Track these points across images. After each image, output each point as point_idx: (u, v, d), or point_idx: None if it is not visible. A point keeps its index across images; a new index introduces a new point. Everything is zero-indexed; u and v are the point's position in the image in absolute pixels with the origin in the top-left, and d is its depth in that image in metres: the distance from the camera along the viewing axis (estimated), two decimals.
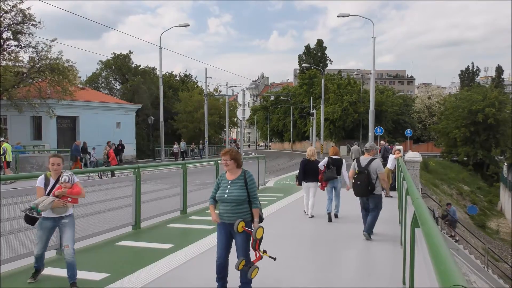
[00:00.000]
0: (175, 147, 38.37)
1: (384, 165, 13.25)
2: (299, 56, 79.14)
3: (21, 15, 27.01)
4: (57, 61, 28.19)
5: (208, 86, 42.57)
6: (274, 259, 5.08)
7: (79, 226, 6.97)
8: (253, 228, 4.79)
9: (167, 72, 56.95)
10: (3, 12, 26.55)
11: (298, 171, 10.35)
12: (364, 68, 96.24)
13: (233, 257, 4.82)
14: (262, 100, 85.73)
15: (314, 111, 49.41)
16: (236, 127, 63.26)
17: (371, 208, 7.99)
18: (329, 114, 52.27)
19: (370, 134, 28.15)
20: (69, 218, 5.15)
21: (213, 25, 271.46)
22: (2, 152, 17.60)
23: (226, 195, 4.77)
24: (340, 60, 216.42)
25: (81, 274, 5.43)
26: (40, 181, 5.14)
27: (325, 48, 77.85)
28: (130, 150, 35.94)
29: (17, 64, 28.25)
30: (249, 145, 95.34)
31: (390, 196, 12.75)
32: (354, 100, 53.47)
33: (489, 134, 44.19)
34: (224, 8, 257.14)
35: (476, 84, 68.26)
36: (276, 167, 31.36)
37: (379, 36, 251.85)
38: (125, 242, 7.47)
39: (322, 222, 9.80)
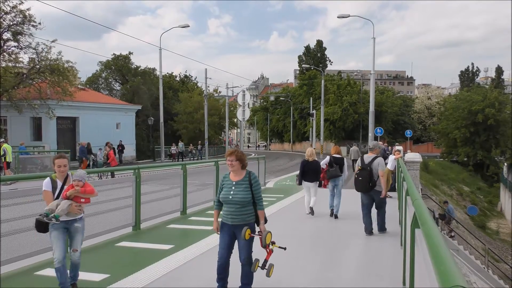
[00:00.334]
0: (173, 148, 38.32)
1: None
2: (299, 56, 79.22)
3: (21, 16, 27.05)
4: (57, 62, 28.23)
5: (208, 86, 42.66)
6: (285, 248, 5.11)
7: None
8: (258, 232, 4.79)
9: (167, 73, 57.06)
10: (3, 13, 26.58)
11: (298, 171, 10.66)
12: (364, 68, 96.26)
13: (234, 258, 4.81)
14: (262, 100, 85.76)
15: (314, 111, 49.43)
16: (236, 127, 63.29)
17: (377, 206, 8.32)
18: (329, 114, 52.28)
19: (370, 134, 28.18)
20: (81, 222, 4.92)
21: (213, 25, 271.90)
22: (2, 153, 17.59)
23: (231, 197, 4.71)
24: (340, 61, 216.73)
25: (81, 275, 5.42)
26: (46, 184, 4.82)
27: (325, 48, 77.96)
28: (130, 151, 35.95)
29: (17, 65, 28.27)
30: (248, 146, 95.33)
31: (390, 197, 12.73)
32: (354, 101, 53.48)
33: (489, 135, 44.17)
34: (224, 8, 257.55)
35: (476, 84, 68.35)
36: (276, 168, 31.36)
37: (379, 36, 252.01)
38: (125, 243, 7.47)
39: (322, 222, 9.81)
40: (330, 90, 54.74)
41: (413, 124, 60.43)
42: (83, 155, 23.86)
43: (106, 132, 32.23)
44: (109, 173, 17.91)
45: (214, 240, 7.26)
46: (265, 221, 4.90)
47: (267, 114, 77.07)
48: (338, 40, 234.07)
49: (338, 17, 30.13)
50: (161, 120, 33.24)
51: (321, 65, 71.98)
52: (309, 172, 10.13)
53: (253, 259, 4.77)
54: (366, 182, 8.10)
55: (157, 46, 32.06)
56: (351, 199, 12.36)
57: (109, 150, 20.50)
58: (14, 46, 27.88)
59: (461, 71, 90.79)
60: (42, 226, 4.67)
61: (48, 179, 4.87)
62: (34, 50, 28.14)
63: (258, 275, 4.96)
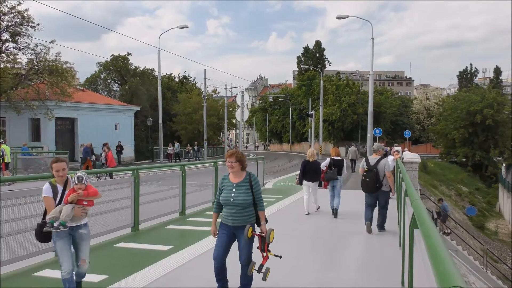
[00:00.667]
0: (169, 149, 38.16)
1: None
2: (298, 57, 79.23)
3: (19, 16, 27.01)
4: (56, 62, 28.19)
5: (207, 87, 42.61)
6: (280, 257, 5.08)
7: None
8: (261, 231, 4.78)
9: (166, 74, 57.08)
10: (1, 14, 26.54)
11: (298, 172, 10.96)
12: (362, 69, 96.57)
13: (235, 259, 4.79)
14: (261, 101, 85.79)
15: (313, 112, 49.44)
16: (235, 128, 63.28)
17: (381, 205, 8.56)
18: (327, 115, 52.29)
19: (369, 135, 28.18)
20: (86, 228, 4.65)
21: (212, 26, 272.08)
22: (0, 154, 17.57)
23: (232, 199, 4.66)
24: (339, 62, 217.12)
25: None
26: (46, 190, 4.50)
27: (324, 49, 77.92)
28: (128, 152, 35.92)
29: (15, 65, 28.21)
30: (246, 147, 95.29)
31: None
32: (353, 101, 53.50)
33: (487, 135, 44.24)
34: (222, 9, 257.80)
35: (475, 85, 68.46)
36: (275, 169, 31.36)
37: (378, 37, 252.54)
38: (123, 244, 7.46)
39: (321, 222, 9.82)
40: (329, 91, 54.77)
41: (411, 124, 60.47)
42: (87, 156, 23.78)
43: (104, 133, 32.19)
44: (107, 174, 17.88)
45: (213, 241, 7.23)
46: (266, 221, 4.89)
47: (266, 114, 77.10)
48: (337, 40, 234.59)
49: (337, 17, 30.13)
50: (160, 121, 33.21)
51: (320, 65, 71.96)
52: (310, 172, 10.44)
53: (250, 263, 4.75)
54: (373, 183, 8.38)
55: (156, 47, 32.06)
56: (351, 199, 12.41)
57: (108, 151, 20.49)
58: (13, 47, 27.85)
59: (460, 72, 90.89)
60: (43, 236, 4.45)
61: (47, 184, 4.53)
62: (32, 51, 28.12)
63: (258, 275, 4.96)
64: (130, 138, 37.50)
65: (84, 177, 4.58)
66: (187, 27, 33.55)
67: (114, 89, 51.16)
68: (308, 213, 10.66)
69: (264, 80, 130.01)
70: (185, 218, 10.10)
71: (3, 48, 27.55)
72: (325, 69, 74.59)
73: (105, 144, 23.09)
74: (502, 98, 48.20)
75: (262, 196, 4.85)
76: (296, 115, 66.21)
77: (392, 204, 10.61)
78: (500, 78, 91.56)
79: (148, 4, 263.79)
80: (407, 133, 43.04)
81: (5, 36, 27.56)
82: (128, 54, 48.55)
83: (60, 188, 4.52)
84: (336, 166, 10.59)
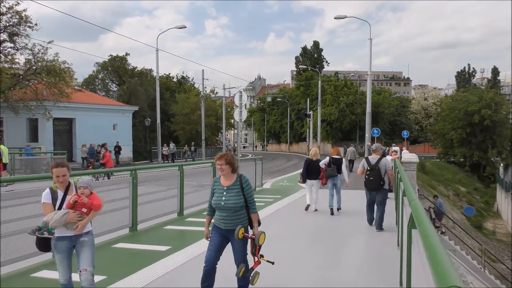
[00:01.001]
0: (164, 149, 37.93)
1: None
2: (296, 57, 79.26)
3: (17, 17, 26.98)
4: (54, 63, 28.16)
5: (205, 87, 42.62)
6: (272, 263, 5.03)
7: None
8: (253, 233, 4.71)
9: (164, 74, 56.96)
10: None
11: (299, 171, 11.17)
12: (361, 69, 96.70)
13: (222, 264, 4.72)
14: (259, 101, 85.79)
15: (311, 112, 49.49)
16: (233, 128, 63.27)
17: (379, 202, 8.89)
18: (326, 115, 52.31)
19: (367, 135, 28.21)
20: (88, 236, 4.29)
21: (210, 27, 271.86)
22: None
23: (223, 203, 4.59)
24: (337, 62, 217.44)
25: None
26: (46, 196, 4.24)
27: (322, 49, 77.98)
28: (127, 152, 35.88)
29: (13, 66, 28.17)
30: (244, 147, 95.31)
31: (387, 198, 12.76)
32: (351, 102, 53.53)
33: (485, 135, 44.33)
34: (221, 9, 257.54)
35: (472, 85, 68.59)
36: (273, 169, 31.37)
37: (376, 37, 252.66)
38: (122, 244, 7.46)
39: (319, 222, 9.84)
40: (327, 91, 54.80)
41: (410, 124, 60.54)
42: (93, 157, 23.61)
43: (102, 133, 32.16)
44: (105, 175, 17.86)
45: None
46: (259, 224, 4.82)
47: (264, 115, 77.11)
48: (335, 41, 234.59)
49: (335, 18, 30.12)
50: (158, 121, 33.19)
51: (318, 66, 72.00)
52: (313, 170, 10.87)
53: (239, 266, 4.68)
54: (378, 181, 8.77)
55: (154, 47, 32.00)
56: (350, 199, 12.44)
57: (105, 152, 20.47)
58: (10, 47, 27.81)
59: (458, 72, 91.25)
60: (42, 244, 4.24)
61: (47, 190, 4.27)
62: (30, 51, 28.10)
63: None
64: (128, 138, 37.47)
65: (89, 182, 4.31)
66: (185, 27, 33.58)
67: (112, 89, 51.11)
68: (308, 206, 11.11)
69: (262, 80, 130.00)
70: (183, 219, 10.09)
71: (1, 48, 27.50)
72: (323, 70, 74.62)
73: (103, 145, 23.07)
74: (500, 98, 48.34)
75: (257, 196, 4.78)
76: (294, 115, 66.20)
77: (391, 204, 10.64)
78: (498, 78, 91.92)
79: (146, 5, 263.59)
80: (405, 133, 43.10)
81: (3, 36, 27.54)
82: (126, 54, 48.52)
83: (60, 194, 4.24)
84: (335, 164, 10.94)
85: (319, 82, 46.82)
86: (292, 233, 8.84)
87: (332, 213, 10.66)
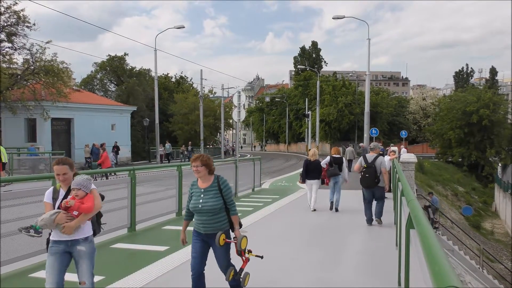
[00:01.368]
0: (161, 150, 37.77)
1: None
2: (295, 57, 79.32)
3: (15, 16, 26.93)
4: (52, 63, 28.13)
5: (204, 87, 42.59)
6: (261, 257, 4.92)
7: None
8: (234, 237, 4.52)
9: (163, 74, 56.97)
10: None
11: (297, 171, 11.38)
12: (359, 69, 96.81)
13: (209, 268, 4.66)
14: (257, 101, 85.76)
15: (310, 112, 49.48)
16: (231, 128, 63.23)
17: (377, 198, 9.31)
18: (324, 115, 52.34)
19: (366, 135, 28.20)
20: (86, 243, 3.96)
21: (209, 26, 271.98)
22: None
23: (200, 206, 4.44)
24: (335, 62, 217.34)
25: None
26: (47, 195, 4.03)
27: (320, 49, 78.10)
28: (125, 152, 35.83)
29: (11, 66, 28.13)
30: (241, 147, 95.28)
31: (386, 197, 12.79)
32: (350, 102, 53.57)
33: (483, 135, 44.39)
34: (219, 9, 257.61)
35: (471, 85, 68.61)
36: (272, 169, 31.38)
37: (374, 37, 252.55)
38: (120, 245, 7.45)
39: (318, 223, 9.84)
40: (326, 91, 54.82)
41: (408, 124, 60.60)
42: (97, 158, 23.33)
43: (101, 133, 32.11)
44: (103, 175, 17.81)
45: None
46: (240, 226, 4.66)
47: (262, 115, 77.09)
48: (333, 41, 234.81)
49: (333, 18, 30.08)
50: (157, 121, 33.14)
51: (316, 66, 72.07)
52: (312, 170, 11.24)
53: (228, 269, 4.57)
54: (373, 178, 9.10)
55: (153, 47, 31.96)
56: (349, 199, 12.46)
57: (103, 152, 20.42)
58: (8, 47, 27.77)
59: (456, 72, 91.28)
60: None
61: (50, 189, 4.08)
62: (28, 51, 28.06)
63: (255, 276, 4.95)
64: (126, 138, 37.42)
65: (84, 183, 3.94)
66: (183, 27, 33.52)
67: (110, 89, 51.08)
68: (311, 206, 11.30)
69: (261, 80, 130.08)
70: (182, 219, 10.02)
71: None
72: (322, 70, 74.70)
73: (101, 145, 23.02)
74: (498, 98, 48.42)
75: (234, 199, 4.61)
76: (293, 116, 66.22)
77: (390, 204, 10.67)
78: (496, 78, 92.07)
79: (144, 4, 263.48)
80: (403, 133, 43.13)
81: (1, 36, 27.53)
82: (125, 54, 48.52)
83: (62, 193, 4.00)
84: (336, 163, 11.32)
85: (318, 82, 46.83)
86: (291, 233, 8.84)
87: (331, 208, 11.18)
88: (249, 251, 4.79)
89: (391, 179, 12.46)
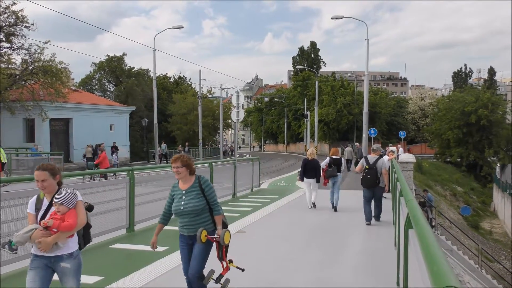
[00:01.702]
0: (158, 150, 37.75)
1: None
2: (293, 58, 79.38)
3: (13, 17, 26.90)
4: (50, 63, 28.10)
5: (202, 88, 42.57)
6: (242, 270, 4.72)
7: None
8: (216, 237, 4.33)
9: (161, 74, 56.95)
10: None
11: (296, 171, 11.72)
12: (358, 70, 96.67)
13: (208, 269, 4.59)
14: (256, 102, 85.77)
15: (308, 112, 49.50)
16: (230, 129, 63.23)
17: (376, 198, 9.63)
18: (323, 115, 52.34)
19: (364, 135, 28.17)
20: (71, 260, 3.64)
21: (208, 27, 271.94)
22: None
23: (182, 207, 4.32)
24: (334, 62, 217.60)
25: None
26: (30, 205, 3.70)
27: (319, 50, 78.22)
28: (124, 153, 35.80)
29: (9, 66, 28.09)
30: (240, 147, 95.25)
31: (384, 198, 12.82)
32: (348, 102, 53.58)
33: (482, 135, 44.44)
34: (218, 10, 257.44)
35: (469, 85, 68.65)
36: (271, 169, 31.38)
37: (373, 38, 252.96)
38: (119, 245, 7.45)
39: (317, 223, 9.86)
40: (324, 91, 54.83)
41: (406, 125, 60.63)
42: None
43: (99, 134, 32.09)
44: (101, 175, 17.78)
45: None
46: (225, 226, 4.49)
47: (261, 115, 77.09)
48: (332, 41, 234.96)
49: (332, 18, 30.06)
50: (155, 121, 33.14)
51: (315, 66, 72.12)
52: (310, 169, 11.50)
53: (208, 271, 4.39)
54: (374, 179, 9.45)
55: (151, 48, 31.98)
56: (348, 199, 12.48)
57: (101, 152, 20.38)
58: (7, 47, 27.74)
59: (454, 72, 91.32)
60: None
61: (33, 198, 3.75)
62: (27, 51, 28.04)
63: (253, 275, 4.95)
64: (125, 138, 37.39)
65: (68, 197, 3.58)
66: (182, 27, 33.55)
67: (109, 89, 51.07)
68: (311, 207, 11.63)
69: (260, 80, 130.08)
70: None
71: None
72: (320, 70, 74.78)
73: (100, 145, 22.99)
74: (496, 98, 48.46)
75: (217, 199, 4.48)
76: (292, 116, 66.23)
77: (388, 204, 10.69)
78: (494, 78, 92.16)
79: (143, 5, 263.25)
80: (402, 134, 43.17)
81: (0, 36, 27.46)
82: (123, 54, 48.50)
83: (46, 202, 3.65)
84: (335, 164, 11.59)
85: (316, 82, 46.84)
86: (290, 233, 8.85)
87: (335, 210, 11.32)
88: (230, 261, 4.63)
89: (390, 179, 12.51)
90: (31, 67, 28.24)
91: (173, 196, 4.48)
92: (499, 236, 31.03)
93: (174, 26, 33.28)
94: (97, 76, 49.66)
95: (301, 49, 78.60)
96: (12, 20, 27.02)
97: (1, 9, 26.55)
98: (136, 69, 49.34)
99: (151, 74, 42.31)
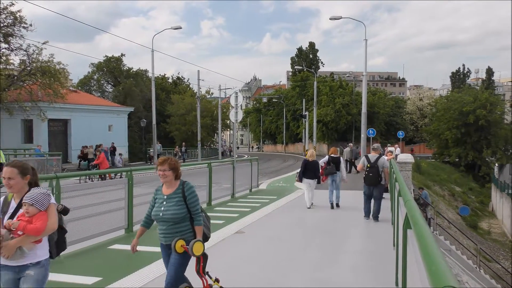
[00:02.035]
0: (151, 151, 37.55)
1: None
2: (292, 58, 79.32)
3: (11, 17, 26.84)
4: (48, 63, 28.05)
5: (200, 88, 42.55)
6: (218, 282, 4.42)
7: (72, 229, 6.93)
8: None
9: (160, 75, 56.97)
10: None
11: (295, 172, 11.88)
12: (356, 70, 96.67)
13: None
14: (254, 102, 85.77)
15: (307, 113, 49.49)
16: (229, 129, 63.23)
17: (376, 196, 9.90)
18: (321, 116, 52.39)
19: (363, 136, 28.17)
20: (36, 268, 3.21)
21: (206, 27, 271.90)
22: None
23: (161, 213, 4.07)
24: (332, 63, 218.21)
25: (73, 279, 5.42)
26: None
27: (317, 50, 78.07)
28: (122, 153, 35.76)
29: (7, 67, 28.04)
30: (238, 148, 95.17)
31: (383, 198, 12.82)
32: (347, 102, 53.64)
33: (480, 135, 44.51)
34: (216, 10, 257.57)
35: (467, 85, 68.80)
36: (270, 169, 31.37)
37: (371, 38, 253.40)
38: (117, 246, 7.43)
39: (315, 223, 9.87)
40: (323, 92, 54.87)
41: (405, 125, 60.69)
42: (107, 160, 22.86)
43: (98, 134, 32.05)
44: (99, 176, 17.75)
45: (207, 243, 7.24)
46: (206, 239, 4.23)
47: (260, 115, 77.06)
48: (330, 42, 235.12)
49: (330, 18, 30.06)
50: (154, 122, 33.12)
51: (313, 66, 72.05)
52: (310, 170, 11.70)
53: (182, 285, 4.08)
54: (376, 177, 9.78)
55: (150, 48, 31.94)
56: (347, 200, 12.47)
57: (100, 153, 20.36)
58: (5, 48, 27.68)
59: (452, 73, 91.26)
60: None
61: (1, 199, 3.37)
62: (25, 52, 27.97)
63: (253, 275, 4.94)
64: (123, 139, 37.35)
65: (38, 197, 3.21)
66: (180, 28, 33.55)
67: (107, 90, 51.06)
68: (310, 207, 11.71)
69: (258, 81, 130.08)
70: None
71: None
72: (319, 70, 74.74)
73: (98, 146, 22.93)
74: (495, 99, 48.53)
75: (200, 209, 4.18)
76: (290, 116, 66.24)
77: (386, 205, 10.70)
78: (492, 78, 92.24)
79: (141, 5, 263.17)
80: (400, 134, 43.21)
81: None
82: (122, 55, 48.53)
83: (13, 205, 3.29)
84: (334, 162, 11.87)
85: (315, 82, 46.85)
86: (289, 233, 8.85)
87: (332, 207, 11.60)
88: (217, 280, 4.33)
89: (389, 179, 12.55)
90: (29, 68, 28.19)
91: (155, 200, 4.24)
92: (497, 236, 31.07)
93: (173, 27, 33.28)
94: (95, 77, 49.67)
95: (300, 49, 78.57)
96: (10, 21, 26.97)
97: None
98: (134, 70, 49.39)
99: (150, 74, 42.38)
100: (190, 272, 4.22)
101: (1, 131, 30.29)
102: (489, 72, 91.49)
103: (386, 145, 35.59)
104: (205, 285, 4.19)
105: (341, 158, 12.54)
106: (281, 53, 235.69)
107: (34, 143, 29.73)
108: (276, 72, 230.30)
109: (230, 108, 21.07)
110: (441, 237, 17.06)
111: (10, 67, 28.40)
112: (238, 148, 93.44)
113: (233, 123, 15.74)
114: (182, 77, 62.10)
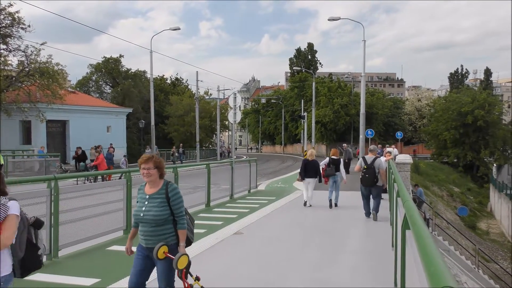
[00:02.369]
0: (147, 152, 37.21)
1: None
2: (290, 59, 79.36)
3: (10, 18, 26.83)
4: (47, 64, 28.05)
5: (199, 89, 42.55)
6: None
7: (70, 230, 6.94)
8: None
9: (158, 76, 56.89)
10: None
11: (293, 172, 12.09)
12: (354, 71, 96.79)
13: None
14: (253, 103, 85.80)
15: (305, 114, 49.51)
16: (227, 130, 63.23)
17: (374, 196, 10.13)
18: (320, 117, 52.43)
19: (361, 136, 28.21)
20: (4, 280, 2.83)
21: (205, 28, 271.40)
22: None
23: (142, 214, 3.88)
24: (331, 63, 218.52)
25: (71, 280, 5.41)
26: None
27: (316, 51, 78.12)
28: (121, 154, 35.74)
29: (6, 68, 28.02)
30: (236, 148, 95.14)
31: (382, 198, 12.84)
32: (345, 103, 53.69)
33: (478, 136, 44.59)
34: (215, 11, 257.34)
35: (465, 86, 68.89)
36: (268, 170, 31.37)
37: (369, 39, 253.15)
38: (116, 247, 7.42)
39: (314, 224, 9.88)
40: (321, 93, 54.92)
41: (403, 125, 60.76)
42: (111, 163, 22.52)
43: (96, 135, 32.05)
44: (97, 177, 17.72)
45: (206, 243, 7.25)
46: (189, 243, 4.07)
47: (258, 116, 77.11)
48: (329, 42, 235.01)
49: (328, 19, 30.10)
50: (152, 123, 33.08)
51: (312, 67, 72.14)
52: (310, 169, 11.97)
53: None
54: (372, 178, 9.98)
55: (148, 49, 31.92)
56: (347, 200, 12.50)
57: (98, 154, 20.32)
58: (3, 49, 27.67)
59: (451, 73, 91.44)
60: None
61: None
62: (23, 53, 27.99)
63: (253, 275, 4.95)
64: (122, 140, 37.33)
65: (7, 206, 2.83)
66: (179, 29, 33.50)
67: (106, 91, 51.02)
68: (306, 203, 12.07)
69: (257, 82, 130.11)
70: None
71: None
72: (317, 71, 74.77)
73: (97, 147, 22.87)
74: (493, 99, 48.63)
75: (184, 211, 3.99)
76: (289, 117, 66.31)
77: (386, 204, 10.72)
78: (491, 79, 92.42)
79: (140, 6, 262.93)
80: (399, 134, 43.26)
81: None
82: (120, 56, 48.50)
83: None
84: (334, 164, 12.10)
85: (313, 83, 46.89)
86: (287, 233, 8.85)
87: (330, 206, 11.79)
88: (198, 279, 4.14)
89: (387, 179, 12.57)
90: (27, 69, 28.18)
91: (138, 199, 4.05)
92: (496, 236, 31.12)
93: (171, 28, 33.25)
94: (93, 78, 49.64)
95: (298, 50, 78.61)
96: (8, 22, 26.97)
97: None
98: (133, 71, 49.32)
99: (148, 75, 42.18)
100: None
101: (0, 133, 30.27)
102: (487, 72, 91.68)
103: (385, 145, 35.62)
104: (186, 286, 4.07)
105: (341, 159, 12.78)
106: (280, 54, 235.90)
107: (32, 145, 29.72)
108: (274, 73, 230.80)
109: (229, 109, 21.08)
110: (440, 238, 17.08)
111: (9, 68, 28.40)
112: (236, 149, 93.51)
113: (232, 124, 15.75)
114: (180, 78, 62.43)
